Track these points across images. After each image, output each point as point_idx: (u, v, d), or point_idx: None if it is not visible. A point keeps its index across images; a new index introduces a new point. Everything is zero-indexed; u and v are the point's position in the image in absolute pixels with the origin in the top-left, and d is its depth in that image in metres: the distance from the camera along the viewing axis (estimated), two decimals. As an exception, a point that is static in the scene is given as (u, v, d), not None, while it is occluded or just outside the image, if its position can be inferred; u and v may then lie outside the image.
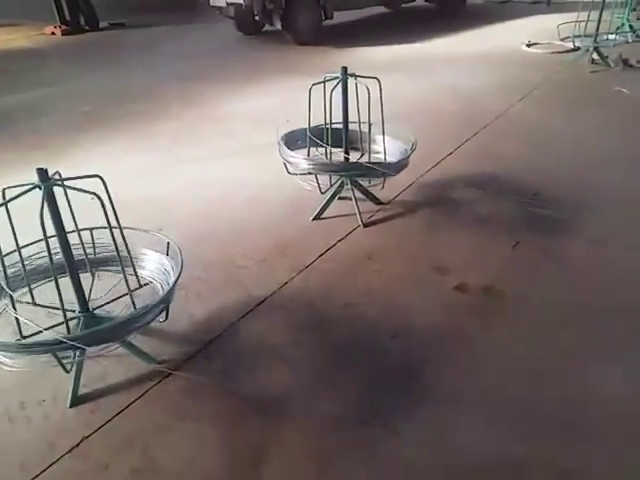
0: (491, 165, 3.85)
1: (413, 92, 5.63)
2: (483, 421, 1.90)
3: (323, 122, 3.13)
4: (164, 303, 2.01)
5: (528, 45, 7.48)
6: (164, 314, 2.04)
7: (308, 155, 3.24)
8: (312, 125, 3.17)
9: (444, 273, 2.71)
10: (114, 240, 1.94)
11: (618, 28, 7.64)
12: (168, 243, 2.23)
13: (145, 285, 2.18)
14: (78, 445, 1.84)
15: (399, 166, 3.16)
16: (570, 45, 6.99)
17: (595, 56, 6.36)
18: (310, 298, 2.55)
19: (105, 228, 1.89)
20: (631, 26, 7.77)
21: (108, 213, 1.84)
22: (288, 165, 3.21)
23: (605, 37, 6.82)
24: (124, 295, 2.05)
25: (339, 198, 3.35)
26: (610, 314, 2.38)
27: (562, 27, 7.33)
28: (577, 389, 2.01)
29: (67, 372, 1.92)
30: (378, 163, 3.15)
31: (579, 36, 6.87)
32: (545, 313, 2.41)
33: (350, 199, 3.27)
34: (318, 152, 3.35)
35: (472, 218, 3.22)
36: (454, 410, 1.95)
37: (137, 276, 2.07)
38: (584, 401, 1.96)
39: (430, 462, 1.76)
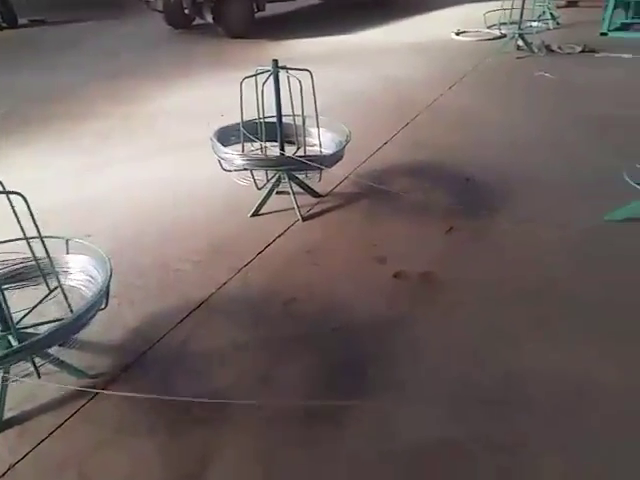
0: (425, 153, 3.92)
1: (348, 83, 5.64)
2: (425, 406, 1.92)
3: (258, 116, 3.08)
4: (105, 292, 1.95)
5: (457, 34, 7.68)
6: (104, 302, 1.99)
7: (242, 150, 3.17)
8: (246, 119, 3.10)
9: (383, 262, 2.72)
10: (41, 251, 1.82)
11: (540, 16, 7.97)
12: (67, 241, 2.14)
13: (54, 290, 2.06)
14: (4, 474, 1.71)
15: (335, 158, 3.15)
16: (497, 32, 7.25)
17: (520, 43, 6.60)
18: (250, 297, 2.50)
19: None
20: (552, 14, 8.13)
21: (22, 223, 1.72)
22: (222, 162, 3.13)
23: (529, 24, 7.11)
24: (45, 298, 1.94)
25: (277, 193, 3.30)
26: (540, 292, 2.47)
27: (489, 15, 7.58)
28: (514, 368, 2.07)
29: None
30: (314, 156, 3.13)
31: (505, 24, 7.13)
32: (479, 295, 2.47)
33: (288, 193, 3.23)
34: (253, 147, 3.29)
35: (408, 206, 3.26)
36: (396, 398, 1.96)
37: (47, 283, 1.97)
38: (521, 379, 2.02)
39: (375, 452, 1.76)
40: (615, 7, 7.30)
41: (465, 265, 2.70)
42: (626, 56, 6.14)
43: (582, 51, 6.43)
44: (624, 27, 7.50)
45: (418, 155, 3.89)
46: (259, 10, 8.52)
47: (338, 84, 5.53)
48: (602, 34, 7.20)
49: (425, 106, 4.83)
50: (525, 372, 2.05)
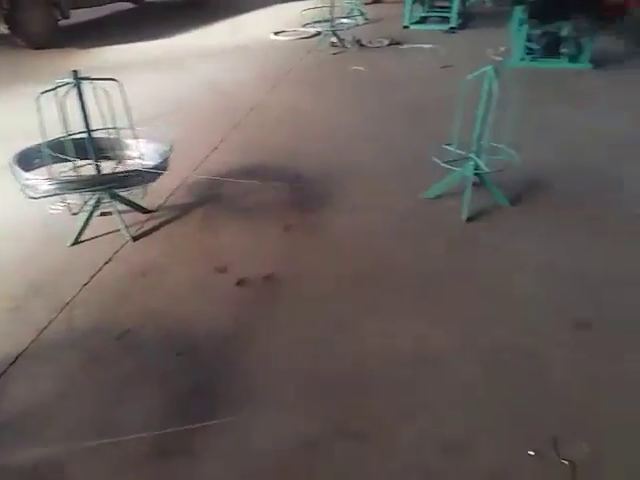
0: (255, 154, 3.89)
1: (170, 90, 5.40)
2: (278, 411, 1.89)
3: (65, 133, 2.78)
4: None
5: (276, 33, 7.79)
6: None
7: (49, 174, 2.83)
8: (52, 138, 2.78)
9: (224, 271, 2.63)
10: None
11: (349, 13, 8.46)
12: None
13: None
14: None
15: (158, 169, 2.96)
16: (312, 31, 7.52)
17: (334, 39, 6.91)
18: (77, 337, 2.22)
19: None
20: (360, 10, 8.67)
21: None
22: (27, 189, 2.76)
23: (340, 21, 7.50)
24: None
25: (101, 214, 3.02)
26: (373, 274, 2.59)
27: (304, 14, 7.84)
28: (358, 352, 2.14)
29: None
30: (134, 170, 2.91)
31: (318, 22, 7.44)
32: (321, 288, 2.51)
33: (112, 214, 2.96)
34: (66, 168, 2.96)
35: (245, 209, 3.21)
36: (249, 410, 1.89)
37: None
38: (366, 361, 2.09)
39: (235, 470, 1.69)
40: (414, 2, 8.02)
41: (305, 261, 2.72)
42: (426, 46, 6.78)
43: (390, 44, 6.95)
44: (422, 20, 8.29)
45: (249, 157, 3.85)
46: (64, 17, 7.76)
47: (161, 91, 5.26)
48: (405, 27, 7.87)
49: (251, 107, 4.82)
50: (369, 354, 2.13)
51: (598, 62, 5.77)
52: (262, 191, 3.36)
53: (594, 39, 5.67)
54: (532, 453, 1.71)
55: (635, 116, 4.40)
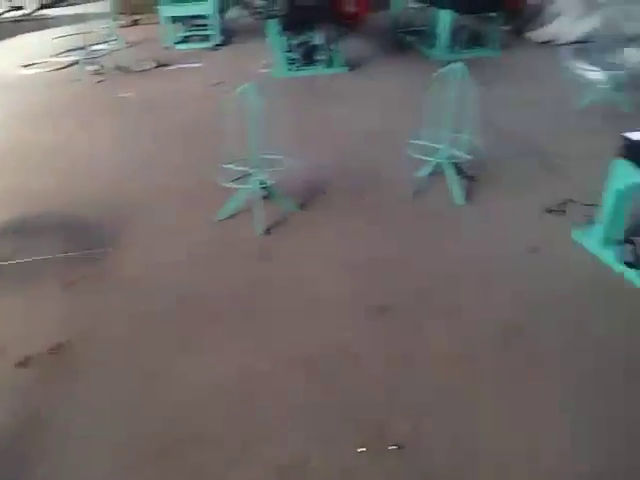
0: (18, 204, 3.39)
1: None
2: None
3: None
4: None
5: (25, 66, 6.94)
6: None
7: None
8: None
9: (1, 353, 2.23)
10: None
11: (106, 37, 7.97)
12: None
13: None
14: None
15: None
16: (68, 60, 6.89)
17: (95, 67, 6.43)
18: None
19: None
20: (117, 34, 8.21)
21: None
22: None
23: (97, 47, 7.03)
24: None
25: None
26: (175, 315, 2.46)
27: (56, 42, 7.16)
28: (177, 402, 2.01)
29: None
30: None
31: (74, 50, 6.87)
32: (121, 344, 2.31)
33: None
34: None
35: (12, 272, 2.77)
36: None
37: None
38: (186, 411, 1.97)
39: None
40: (173, 22, 7.87)
41: (98, 317, 2.46)
42: (194, 65, 6.73)
43: (157, 67, 6.71)
44: (185, 39, 8.19)
45: (10, 208, 3.34)
46: None
47: None
48: (168, 48, 7.69)
49: (7, 152, 4.20)
50: (188, 399, 2.00)
51: (353, 65, 6.38)
52: (30, 247, 2.94)
53: (341, 45, 6.26)
54: (363, 449, 1.77)
55: (391, 109, 4.95)
